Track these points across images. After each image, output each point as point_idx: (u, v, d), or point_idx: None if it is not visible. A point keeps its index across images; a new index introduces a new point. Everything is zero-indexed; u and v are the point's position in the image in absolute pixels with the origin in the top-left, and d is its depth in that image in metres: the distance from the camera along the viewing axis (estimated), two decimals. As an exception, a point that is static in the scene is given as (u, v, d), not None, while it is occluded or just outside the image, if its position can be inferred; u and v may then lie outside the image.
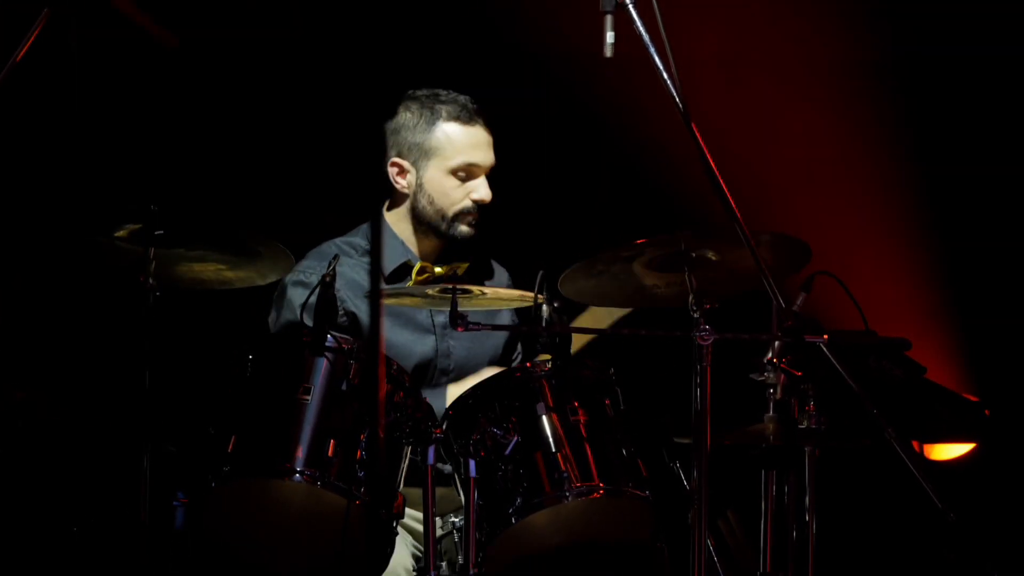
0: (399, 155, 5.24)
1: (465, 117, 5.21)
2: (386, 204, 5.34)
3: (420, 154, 5.21)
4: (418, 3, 6.25)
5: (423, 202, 5.23)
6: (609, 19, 4.30)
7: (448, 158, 5.20)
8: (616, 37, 4.29)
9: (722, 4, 6.39)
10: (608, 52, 4.30)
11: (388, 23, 6.24)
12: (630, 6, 4.29)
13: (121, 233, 4.62)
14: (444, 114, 5.22)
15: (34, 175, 5.76)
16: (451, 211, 5.22)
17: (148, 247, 4.55)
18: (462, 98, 5.25)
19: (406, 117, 5.23)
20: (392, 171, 5.25)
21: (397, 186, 5.26)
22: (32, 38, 4.40)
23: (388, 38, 6.26)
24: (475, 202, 5.22)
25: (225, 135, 6.14)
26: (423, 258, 5.27)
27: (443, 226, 5.24)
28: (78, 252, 4.78)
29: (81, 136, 5.80)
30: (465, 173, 5.21)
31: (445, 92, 5.27)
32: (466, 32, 6.28)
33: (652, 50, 4.26)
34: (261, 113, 6.17)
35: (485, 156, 5.22)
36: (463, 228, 5.23)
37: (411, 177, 5.23)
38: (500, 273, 5.50)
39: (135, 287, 4.51)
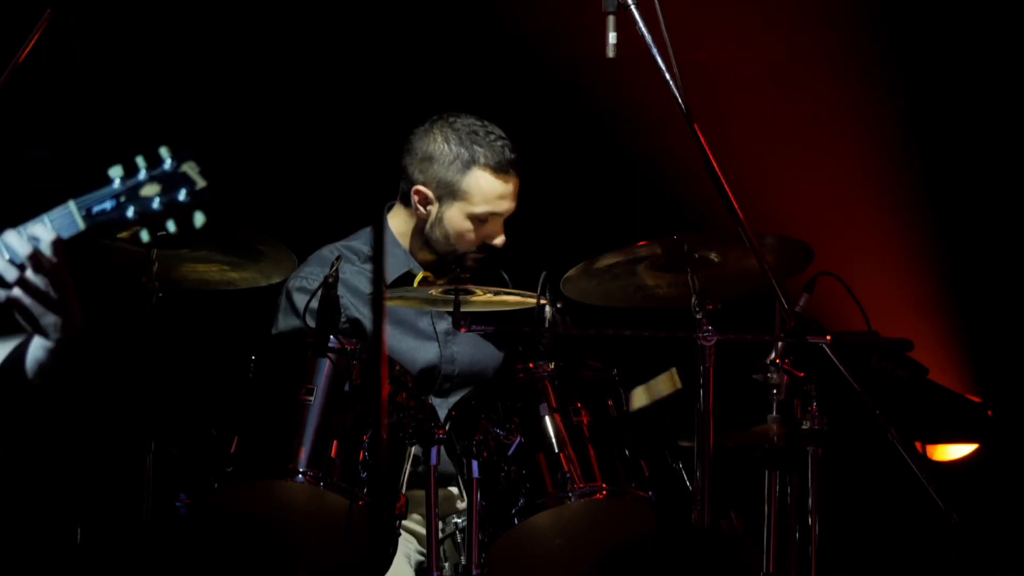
0: (425, 184, 5.19)
1: (500, 168, 5.14)
2: (392, 210, 5.32)
3: (447, 192, 5.16)
4: (422, 8, 6.25)
5: (438, 235, 5.21)
6: (611, 20, 4.30)
7: (474, 205, 5.16)
8: (618, 38, 4.29)
9: (725, 5, 6.39)
10: (611, 53, 4.30)
11: (393, 26, 6.24)
12: (632, 7, 4.29)
13: (124, 234, 4.61)
14: (481, 160, 5.13)
15: (37, 175, 5.76)
16: (462, 249, 5.21)
17: (151, 248, 4.55)
18: (500, 144, 5.15)
19: (443, 150, 5.15)
20: (415, 197, 5.21)
21: (417, 211, 5.23)
22: (35, 39, 4.41)
23: (393, 39, 6.26)
24: (488, 246, 5.21)
25: (227, 136, 6.14)
26: (425, 267, 5.26)
27: (450, 259, 5.22)
28: (80, 253, 4.78)
29: (83, 136, 5.80)
30: (485, 219, 5.18)
31: (484, 131, 5.16)
32: (469, 34, 6.28)
33: (654, 51, 4.26)
34: (263, 113, 6.17)
35: (509, 206, 5.19)
36: (468, 266, 5.22)
37: (432, 208, 5.20)
38: (503, 279, 5.49)
39: (138, 288, 4.51)
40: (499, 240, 5.21)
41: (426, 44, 6.23)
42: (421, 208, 5.21)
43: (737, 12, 6.41)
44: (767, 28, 6.43)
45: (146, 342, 4.48)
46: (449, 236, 5.20)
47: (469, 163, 5.14)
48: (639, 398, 5.05)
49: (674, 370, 4.92)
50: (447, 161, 5.14)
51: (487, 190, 5.15)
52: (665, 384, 5.05)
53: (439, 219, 5.20)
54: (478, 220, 5.17)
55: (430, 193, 5.18)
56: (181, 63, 6.08)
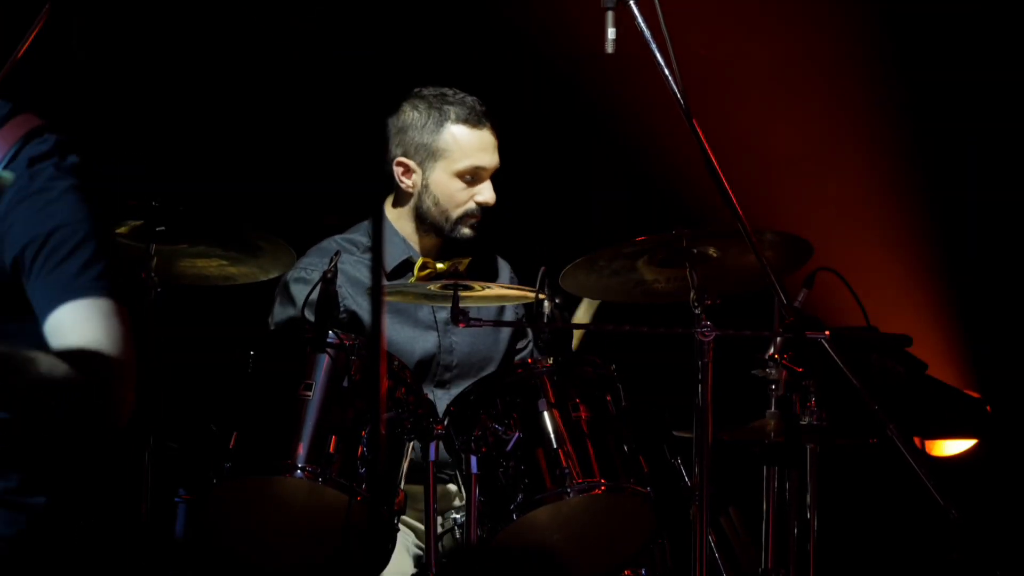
0: (405, 155, 5.21)
1: (473, 120, 5.18)
2: (388, 201, 5.34)
3: (427, 155, 5.19)
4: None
5: (428, 203, 5.22)
6: (610, 15, 4.30)
7: (455, 161, 5.18)
8: (618, 33, 4.29)
9: (724, 1, 6.39)
10: (610, 48, 4.30)
11: (390, 17, 6.24)
12: (631, 2, 4.29)
13: (123, 229, 4.63)
14: (452, 116, 5.18)
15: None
16: (455, 213, 5.22)
17: (150, 243, 4.56)
18: (470, 99, 5.21)
19: (413, 117, 5.20)
20: (397, 170, 5.23)
21: (402, 185, 5.25)
22: (34, 34, 4.40)
23: (390, 32, 6.26)
24: (479, 204, 5.22)
25: (226, 131, 6.14)
26: (424, 255, 5.26)
27: (446, 227, 5.23)
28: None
29: (82, 133, 5.79)
30: (471, 176, 5.19)
31: (452, 92, 5.22)
32: (468, 26, 6.28)
33: (653, 46, 4.26)
34: (262, 109, 6.17)
35: (491, 159, 5.21)
36: (465, 230, 5.23)
37: (416, 177, 5.21)
38: (503, 269, 5.50)
39: (137, 283, 4.51)
40: (488, 196, 5.21)
41: (425, 39, 6.23)
42: (406, 180, 5.23)
43: (737, 7, 6.41)
44: (767, 24, 6.43)
45: (145, 337, 4.48)
46: (439, 200, 5.21)
47: (441, 121, 5.18)
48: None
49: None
50: (420, 125, 5.18)
51: (464, 143, 5.17)
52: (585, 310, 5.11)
53: (426, 186, 5.22)
54: (463, 177, 5.19)
55: (411, 162, 5.21)
56: (178, 57, 6.08)
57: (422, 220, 5.25)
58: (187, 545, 4.45)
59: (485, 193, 5.21)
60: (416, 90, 5.25)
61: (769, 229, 4.65)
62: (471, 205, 5.21)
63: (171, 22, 6.03)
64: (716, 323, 4.44)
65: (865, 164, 6.51)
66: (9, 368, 3.00)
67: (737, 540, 5.55)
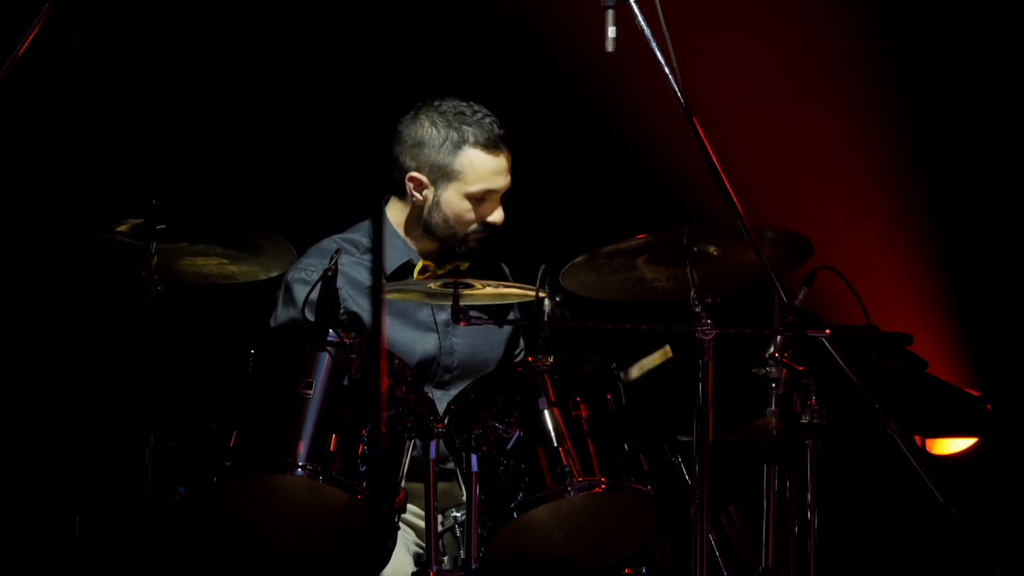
0: (418, 170, 5.21)
1: (491, 145, 5.17)
2: (389, 202, 5.33)
3: (441, 175, 5.19)
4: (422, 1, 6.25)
5: (437, 219, 5.23)
6: (611, 14, 4.30)
7: (469, 184, 5.18)
8: (618, 32, 4.29)
9: (725, 1, 6.39)
10: (610, 47, 4.30)
11: (390, 17, 6.24)
12: (631, 1, 4.29)
13: (123, 228, 4.63)
14: (471, 139, 5.17)
15: (36, 170, 5.76)
16: (463, 232, 5.23)
17: (150, 242, 4.56)
18: (488, 121, 5.19)
19: (431, 133, 5.18)
20: (410, 184, 5.23)
21: (413, 198, 5.24)
22: (34, 32, 4.40)
23: (390, 32, 6.26)
24: (488, 224, 5.23)
25: (226, 130, 6.14)
26: (424, 257, 5.27)
27: (453, 243, 5.24)
28: (80, 247, 4.79)
29: (83, 131, 5.80)
30: (482, 198, 5.20)
31: (471, 111, 5.20)
32: (469, 26, 6.28)
33: (654, 45, 4.26)
34: (263, 108, 6.17)
35: (504, 182, 5.22)
36: (471, 246, 5.24)
37: (428, 193, 5.21)
38: (503, 271, 5.50)
39: (137, 282, 4.52)
40: (498, 216, 5.23)
41: (426, 38, 6.23)
42: (417, 195, 5.23)
43: (737, 6, 6.41)
44: (767, 22, 6.43)
45: (145, 336, 4.48)
46: (448, 219, 5.22)
47: (459, 143, 5.17)
48: (632, 372, 5.06)
49: (667, 346, 4.96)
50: (437, 144, 5.17)
51: (480, 168, 5.18)
52: (657, 357, 5.08)
53: (436, 203, 5.22)
54: (475, 199, 5.19)
55: (424, 178, 5.20)
56: (178, 56, 6.08)
57: (429, 232, 5.26)
58: (187, 544, 4.45)
59: (495, 214, 5.23)
60: (436, 103, 5.22)
61: (769, 227, 4.65)
62: (479, 224, 5.22)
63: (172, 20, 6.03)
64: (716, 321, 4.43)
65: (865, 163, 6.51)
66: None
67: (737, 538, 5.55)
